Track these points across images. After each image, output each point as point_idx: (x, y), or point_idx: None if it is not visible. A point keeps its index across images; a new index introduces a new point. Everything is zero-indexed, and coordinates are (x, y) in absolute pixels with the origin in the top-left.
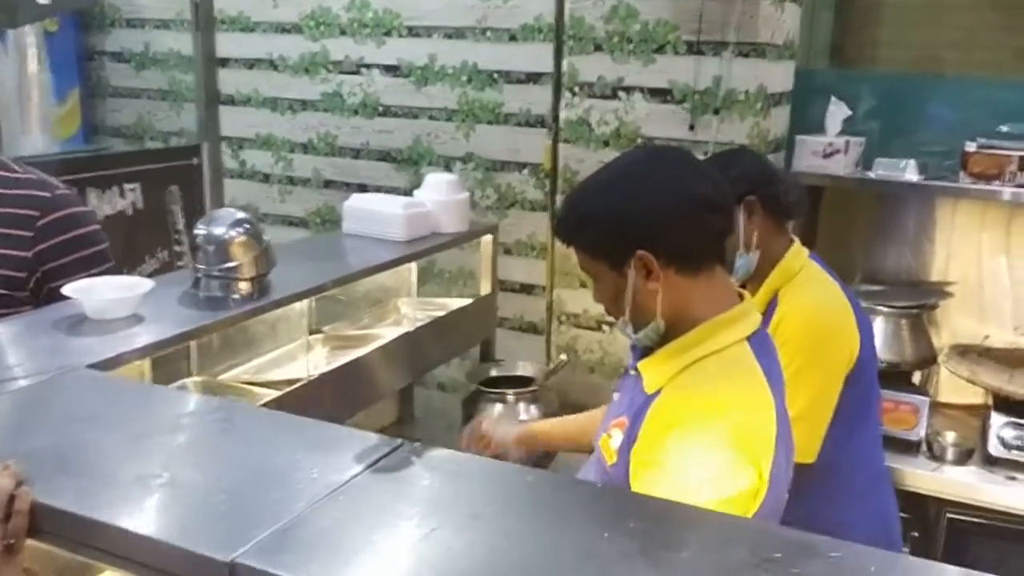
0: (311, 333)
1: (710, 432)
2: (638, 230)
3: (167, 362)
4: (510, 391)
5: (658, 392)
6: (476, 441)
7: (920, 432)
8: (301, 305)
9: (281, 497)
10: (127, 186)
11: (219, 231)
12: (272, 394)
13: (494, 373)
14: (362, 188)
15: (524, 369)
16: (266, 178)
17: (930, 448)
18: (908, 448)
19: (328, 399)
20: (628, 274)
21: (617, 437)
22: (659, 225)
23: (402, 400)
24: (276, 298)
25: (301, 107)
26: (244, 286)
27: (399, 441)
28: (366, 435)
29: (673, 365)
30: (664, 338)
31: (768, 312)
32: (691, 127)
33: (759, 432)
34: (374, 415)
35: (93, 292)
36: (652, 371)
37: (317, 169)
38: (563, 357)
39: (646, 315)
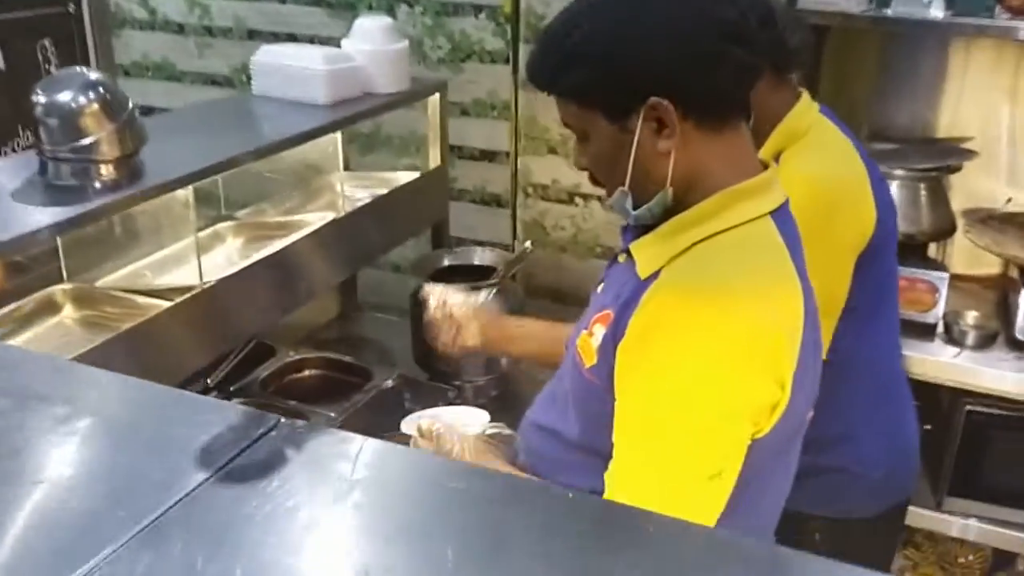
0: (220, 221)
1: (720, 328)
2: (650, 69)
3: (26, 265)
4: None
5: (655, 275)
6: (446, 335)
7: (938, 314)
8: (184, 193)
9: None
10: None
11: (64, 98)
12: (160, 305)
13: (447, 262)
14: (292, 38)
15: (482, 257)
16: (180, 28)
17: (948, 331)
18: (923, 332)
19: (239, 305)
20: (633, 128)
21: (599, 334)
22: (677, 62)
23: (345, 289)
24: (147, 186)
25: None
26: (105, 170)
27: (272, 419)
28: (223, 408)
29: (677, 243)
30: (667, 213)
31: None
32: None
33: (783, 329)
34: (311, 309)
35: None
36: (649, 251)
37: (239, 17)
38: (528, 245)
39: (651, 183)
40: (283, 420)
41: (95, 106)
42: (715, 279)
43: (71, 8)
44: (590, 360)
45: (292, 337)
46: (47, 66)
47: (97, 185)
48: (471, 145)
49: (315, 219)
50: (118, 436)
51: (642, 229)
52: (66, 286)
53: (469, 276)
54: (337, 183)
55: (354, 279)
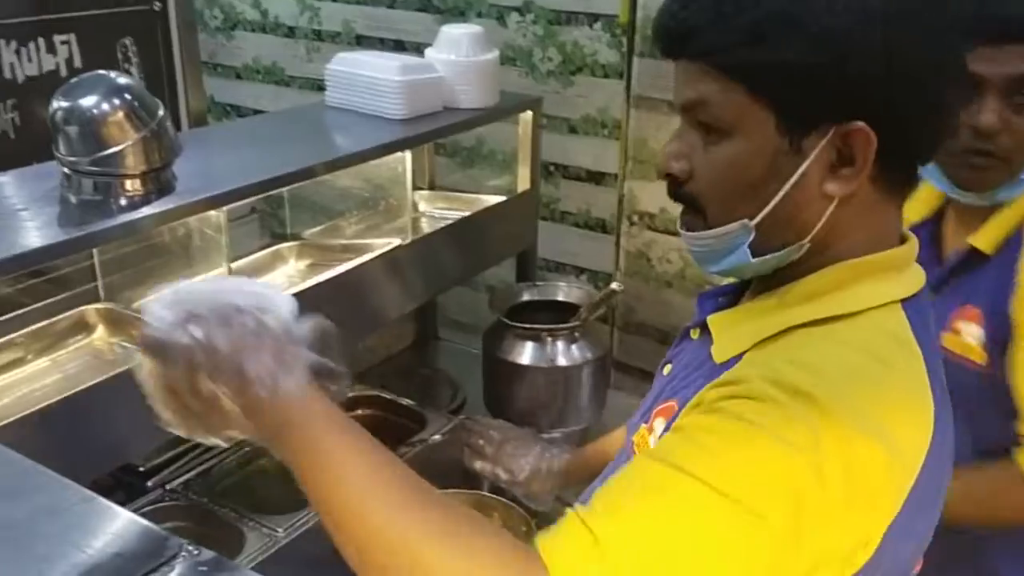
0: (285, 239)
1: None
2: (889, 80)
3: (65, 283)
4: (542, 327)
5: (734, 361)
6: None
7: None
8: (218, 216)
9: None
10: (58, 37)
11: (86, 103)
12: None
13: (527, 297)
14: (399, 45)
15: (567, 294)
16: (291, 32)
17: None
18: None
19: None
20: (808, 151)
21: (659, 430)
22: (907, 80)
23: (422, 315)
24: (173, 205)
25: None
26: (130, 185)
27: (173, 545)
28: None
29: (770, 322)
30: (760, 278)
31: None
32: None
33: (891, 467)
34: (385, 337)
35: None
36: (733, 329)
37: (348, 21)
38: (615, 286)
39: (791, 229)
40: (185, 550)
41: (121, 113)
42: (811, 384)
43: (156, 6)
44: None
45: (357, 366)
46: (127, 66)
47: (122, 202)
48: (577, 165)
49: (384, 242)
50: None
51: (732, 295)
52: (100, 306)
53: (550, 314)
54: (412, 203)
55: (434, 304)
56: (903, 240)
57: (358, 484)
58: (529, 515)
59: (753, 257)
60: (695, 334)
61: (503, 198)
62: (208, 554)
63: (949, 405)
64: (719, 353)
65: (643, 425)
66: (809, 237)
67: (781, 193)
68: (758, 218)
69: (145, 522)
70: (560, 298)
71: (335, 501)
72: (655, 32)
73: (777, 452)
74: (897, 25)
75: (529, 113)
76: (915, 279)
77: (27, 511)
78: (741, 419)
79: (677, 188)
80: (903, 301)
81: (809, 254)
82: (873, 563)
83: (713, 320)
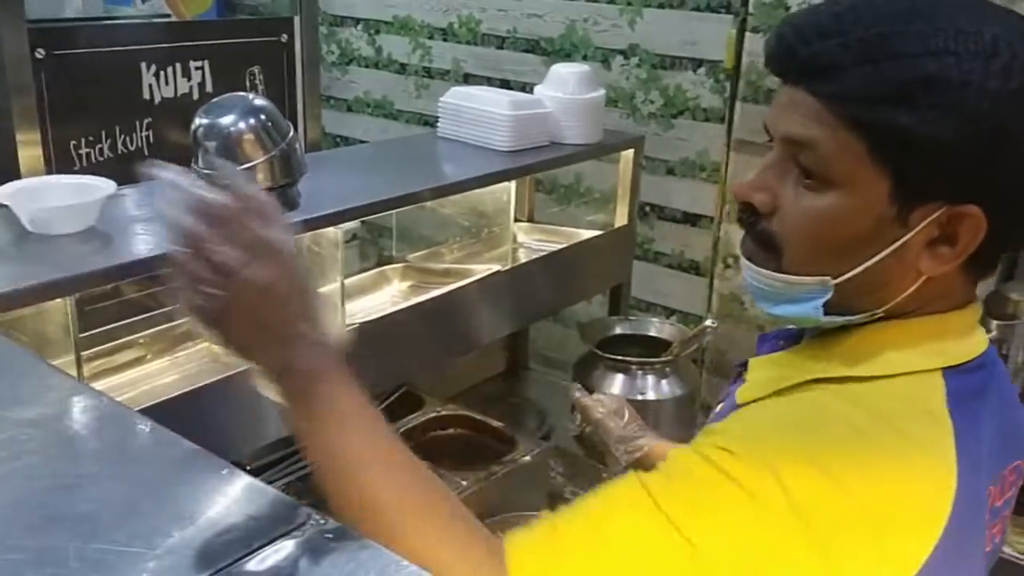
0: (387, 263)
1: (782, 502)
2: (1010, 165)
3: None
4: (633, 360)
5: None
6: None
7: None
8: (335, 232)
9: None
10: (193, 64)
11: (225, 121)
12: None
13: (619, 331)
14: (505, 84)
15: (659, 330)
16: (402, 68)
17: None
18: None
19: (386, 350)
20: (913, 225)
21: None
22: None
23: (516, 344)
24: (299, 219)
25: None
26: None
27: (302, 513)
28: (254, 487)
29: (798, 371)
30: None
31: None
32: None
33: (894, 529)
34: (477, 365)
35: (34, 196)
36: (761, 373)
37: (457, 59)
38: (709, 323)
39: (874, 297)
40: (313, 519)
41: (254, 134)
42: (809, 437)
43: (283, 38)
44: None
45: (449, 390)
46: (253, 93)
47: None
48: (673, 207)
49: (483, 268)
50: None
51: (787, 342)
52: None
53: (640, 350)
54: (512, 233)
55: (526, 335)
56: (967, 304)
57: (362, 452)
58: None
59: (825, 313)
60: (745, 375)
61: (599, 232)
62: (333, 524)
63: (981, 487)
64: (741, 395)
65: None
66: (886, 308)
67: (874, 260)
68: (842, 279)
69: (276, 491)
70: (652, 333)
71: (338, 460)
72: (774, 54)
73: (729, 497)
74: None
75: (631, 151)
76: (970, 346)
77: (166, 476)
78: (705, 462)
79: (753, 220)
80: (947, 369)
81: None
82: None
83: (753, 362)
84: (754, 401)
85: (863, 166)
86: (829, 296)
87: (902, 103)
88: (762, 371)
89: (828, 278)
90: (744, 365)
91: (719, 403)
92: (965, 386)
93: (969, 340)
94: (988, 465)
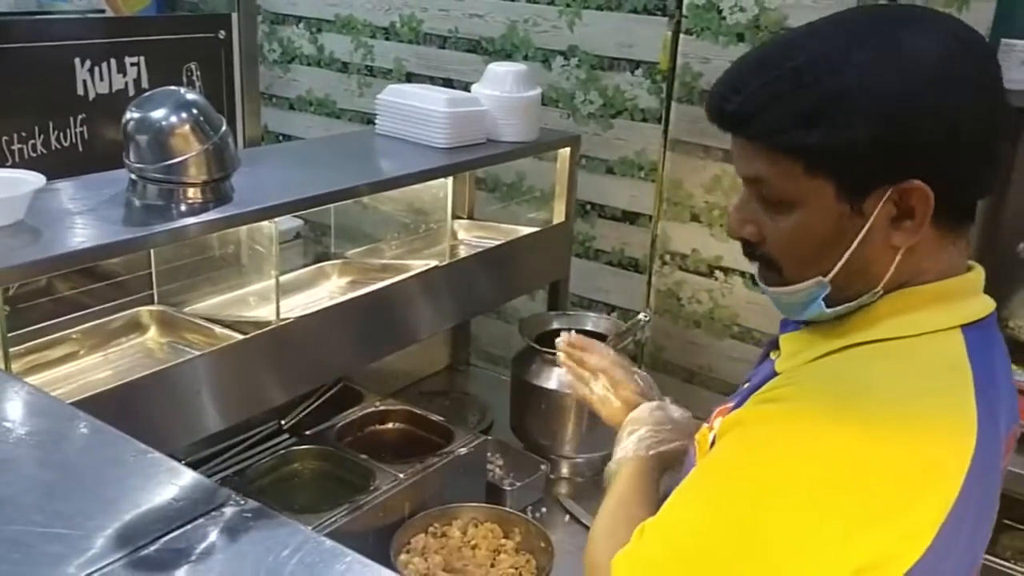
0: (326, 259)
1: (830, 454)
2: (934, 141)
3: (123, 286)
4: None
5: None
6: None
7: None
8: (269, 227)
9: None
10: (129, 60)
11: (156, 115)
12: (234, 337)
13: (556, 325)
14: (447, 83)
15: (596, 324)
16: (344, 67)
17: None
18: None
19: (323, 345)
20: (869, 212)
21: (717, 425)
22: (959, 137)
23: (457, 340)
24: (230, 213)
25: None
26: (192, 193)
27: (222, 494)
28: (176, 471)
29: (831, 342)
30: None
31: None
32: None
33: (925, 471)
34: (419, 360)
35: None
36: (797, 344)
37: (400, 59)
38: (642, 316)
39: (863, 280)
40: (232, 499)
41: (187, 126)
42: (849, 390)
43: (221, 34)
44: (703, 454)
45: (388, 386)
46: (190, 89)
47: (182, 207)
48: (612, 205)
49: (421, 263)
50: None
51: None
52: (153, 308)
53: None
54: (451, 230)
55: (468, 332)
56: (969, 269)
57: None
58: (547, 532)
59: (828, 307)
60: (774, 355)
61: (538, 228)
62: (253, 504)
63: (997, 434)
64: (781, 364)
65: (705, 426)
66: (881, 284)
67: (849, 252)
68: (831, 275)
69: (197, 474)
70: (589, 327)
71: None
72: (709, 111)
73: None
74: (947, 88)
75: (567, 149)
76: (979, 306)
77: (90, 461)
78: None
79: (751, 249)
80: (965, 326)
81: (883, 292)
82: (923, 567)
83: (784, 338)
84: (803, 365)
85: (805, 182)
86: (827, 291)
87: (810, 124)
88: (793, 344)
89: (820, 277)
90: (774, 343)
91: (745, 382)
92: (982, 338)
93: (978, 299)
94: (1005, 413)
